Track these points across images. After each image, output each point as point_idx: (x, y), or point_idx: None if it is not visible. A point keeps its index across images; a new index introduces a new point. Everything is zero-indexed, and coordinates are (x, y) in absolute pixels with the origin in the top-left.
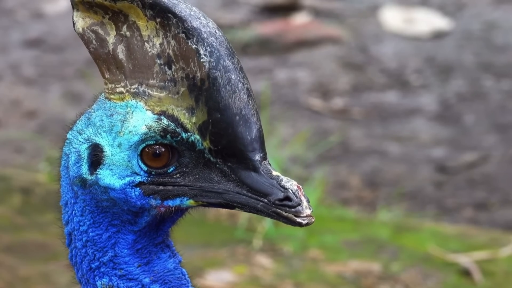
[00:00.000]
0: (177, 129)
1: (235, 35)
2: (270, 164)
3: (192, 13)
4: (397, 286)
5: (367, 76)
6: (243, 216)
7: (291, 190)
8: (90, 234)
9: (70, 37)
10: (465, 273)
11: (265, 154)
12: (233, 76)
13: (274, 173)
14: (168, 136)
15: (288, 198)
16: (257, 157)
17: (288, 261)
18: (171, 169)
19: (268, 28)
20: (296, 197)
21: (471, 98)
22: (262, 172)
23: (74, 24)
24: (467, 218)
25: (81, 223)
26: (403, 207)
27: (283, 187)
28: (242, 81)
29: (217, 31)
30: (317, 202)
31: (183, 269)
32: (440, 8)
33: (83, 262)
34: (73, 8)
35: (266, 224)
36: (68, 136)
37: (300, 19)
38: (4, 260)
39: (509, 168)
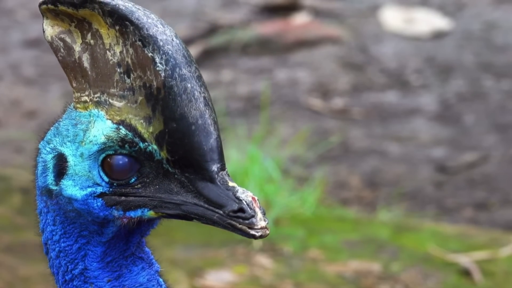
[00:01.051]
0: (134, 139)
1: (235, 35)
2: (228, 175)
3: (149, 20)
4: (397, 286)
5: (367, 76)
6: None
7: (246, 202)
8: (62, 244)
9: None
10: (465, 273)
11: (223, 164)
12: (189, 85)
13: (231, 184)
14: (126, 146)
15: (242, 210)
16: (214, 167)
17: (288, 261)
18: (133, 179)
19: (268, 28)
20: (250, 208)
21: (471, 98)
22: (219, 183)
23: (43, 32)
24: (467, 218)
25: (54, 233)
26: (403, 207)
27: (237, 198)
28: (199, 90)
29: (174, 39)
30: (317, 202)
31: (160, 279)
32: (440, 8)
33: (59, 273)
34: (42, 16)
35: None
36: (39, 145)
37: (300, 19)
38: (4, 260)
39: (509, 168)
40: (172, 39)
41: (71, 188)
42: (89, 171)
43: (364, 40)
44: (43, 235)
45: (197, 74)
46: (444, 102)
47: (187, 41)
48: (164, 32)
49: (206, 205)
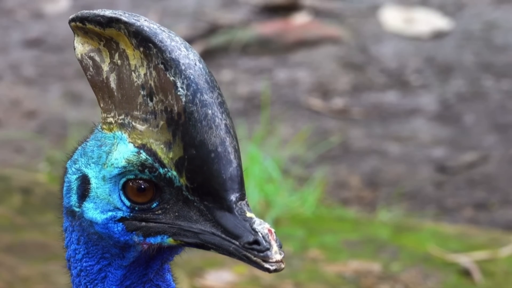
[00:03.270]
0: (154, 164)
1: (235, 35)
2: (247, 205)
3: (173, 43)
4: (397, 286)
5: (367, 76)
6: None
7: (261, 234)
8: (84, 264)
9: (70, 37)
10: (465, 273)
11: (242, 194)
12: (209, 111)
13: (248, 214)
14: (146, 171)
15: (257, 242)
16: (233, 197)
17: (288, 261)
18: (155, 204)
19: (268, 28)
20: (266, 241)
21: (471, 98)
22: (237, 213)
23: (74, 49)
24: (467, 218)
25: (77, 252)
26: (403, 207)
27: (254, 230)
28: (220, 116)
29: (197, 63)
30: (317, 202)
31: None
32: (440, 8)
33: None
34: (73, 33)
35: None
36: (67, 164)
37: (300, 19)
38: (4, 260)
39: (509, 168)
40: (195, 63)
41: (92, 211)
42: (109, 195)
43: (364, 40)
44: (67, 252)
45: (219, 100)
46: (444, 102)
47: (187, 41)
48: (187, 56)
49: (223, 235)
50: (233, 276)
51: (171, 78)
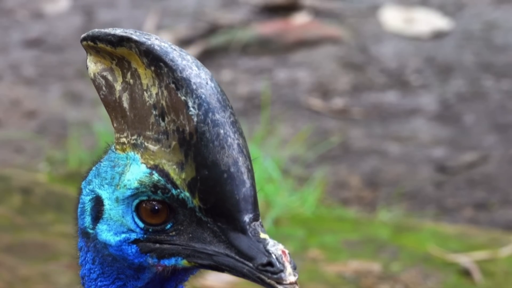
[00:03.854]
0: (167, 185)
1: (235, 35)
2: (261, 225)
3: (184, 62)
4: (397, 286)
5: (367, 76)
6: None
7: (275, 255)
8: (99, 283)
9: (70, 37)
10: (465, 273)
11: (256, 215)
12: (222, 131)
13: (262, 236)
14: (159, 192)
15: (270, 264)
16: (246, 218)
17: None
18: (168, 226)
19: (268, 28)
20: (279, 262)
21: (471, 98)
22: (250, 234)
23: (87, 68)
24: (467, 218)
25: (92, 271)
26: (403, 207)
27: (267, 251)
28: (233, 136)
29: (209, 82)
30: (317, 202)
31: None
32: (440, 8)
33: None
34: (86, 52)
35: (266, 224)
36: (81, 185)
37: (300, 19)
38: (4, 260)
39: (509, 168)
40: (207, 82)
41: (106, 233)
42: (123, 216)
43: (364, 40)
44: (81, 269)
45: (231, 119)
46: (444, 102)
47: (187, 41)
48: (198, 75)
49: (237, 257)
50: (233, 276)
51: (183, 98)
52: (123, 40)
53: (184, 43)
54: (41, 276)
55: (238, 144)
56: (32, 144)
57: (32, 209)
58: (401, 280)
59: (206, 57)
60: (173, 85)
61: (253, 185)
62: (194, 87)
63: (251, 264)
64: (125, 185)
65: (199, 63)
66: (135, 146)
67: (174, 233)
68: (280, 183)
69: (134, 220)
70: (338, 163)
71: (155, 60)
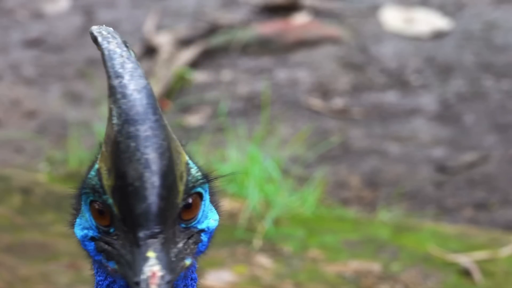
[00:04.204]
0: (99, 189)
1: (235, 35)
2: (161, 243)
3: (120, 70)
4: (397, 286)
5: (367, 76)
6: (243, 216)
7: (143, 277)
8: (97, 278)
9: (70, 37)
10: (465, 273)
11: (154, 232)
12: (132, 144)
13: (149, 253)
14: (96, 194)
15: (138, 283)
16: (142, 234)
17: (288, 261)
18: (112, 229)
19: (268, 28)
20: (145, 284)
21: (471, 98)
22: (141, 250)
23: None
24: (467, 218)
25: (93, 266)
26: (403, 207)
27: (140, 270)
28: (143, 151)
29: (135, 94)
30: (317, 202)
31: None
32: (440, 8)
33: None
34: None
35: (266, 224)
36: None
37: (300, 19)
38: (4, 260)
39: (509, 168)
40: (132, 94)
41: (77, 227)
42: (86, 212)
43: (364, 40)
44: None
45: (147, 133)
46: (444, 102)
47: (187, 41)
48: (126, 85)
49: (129, 271)
50: (233, 276)
51: (111, 105)
52: (95, 40)
53: (184, 43)
54: (41, 276)
55: (147, 160)
56: (32, 144)
57: (32, 209)
58: (401, 280)
59: (206, 57)
60: (108, 92)
61: (155, 202)
62: (119, 96)
63: (132, 280)
64: (86, 183)
65: (137, 72)
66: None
67: (115, 237)
68: (280, 183)
69: (90, 218)
70: (338, 163)
71: (103, 64)
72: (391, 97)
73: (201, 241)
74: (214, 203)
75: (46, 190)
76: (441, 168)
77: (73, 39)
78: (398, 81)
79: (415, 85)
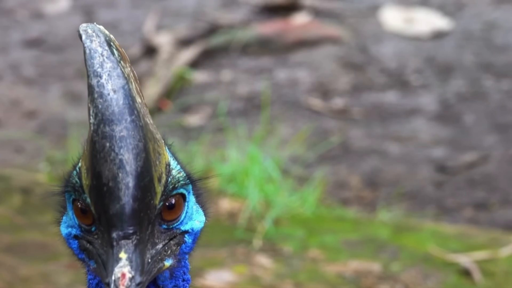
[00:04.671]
0: (79, 188)
1: (235, 35)
2: (135, 244)
3: (99, 69)
4: (397, 286)
5: (367, 76)
6: (243, 216)
7: (114, 278)
8: (88, 277)
9: (70, 37)
10: (465, 273)
11: (128, 233)
12: (107, 144)
13: (121, 255)
14: (76, 193)
15: (109, 284)
16: (115, 234)
17: (288, 261)
18: (93, 228)
19: (268, 28)
20: (115, 285)
21: (471, 98)
22: (114, 251)
23: None
24: (467, 218)
25: (85, 265)
26: (403, 207)
27: (111, 271)
28: (117, 151)
29: (112, 93)
30: (317, 202)
31: None
32: (440, 8)
33: None
34: None
35: (266, 224)
36: None
37: (300, 19)
38: (4, 260)
39: (509, 168)
40: (109, 93)
41: (62, 225)
42: (69, 210)
43: (364, 40)
44: None
45: (122, 134)
46: (444, 102)
47: (187, 41)
48: (104, 85)
49: (103, 271)
50: (233, 276)
51: (88, 105)
52: (80, 37)
53: (184, 43)
54: (41, 276)
55: (121, 160)
56: (32, 144)
57: (32, 209)
58: (401, 280)
59: (206, 57)
60: (88, 90)
61: (129, 203)
62: (95, 96)
63: (105, 280)
64: (69, 181)
65: (116, 72)
66: None
67: (96, 236)
68: (280, 183)
69: (73, 216)
70: (338, 163)
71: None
72: (391, 97)
73: (184, 242)
74: (201, 204)
75: (46, 190)
76: (441, 168)
77: (73, 39)
78: (398, 81)
79: (415, 85)
